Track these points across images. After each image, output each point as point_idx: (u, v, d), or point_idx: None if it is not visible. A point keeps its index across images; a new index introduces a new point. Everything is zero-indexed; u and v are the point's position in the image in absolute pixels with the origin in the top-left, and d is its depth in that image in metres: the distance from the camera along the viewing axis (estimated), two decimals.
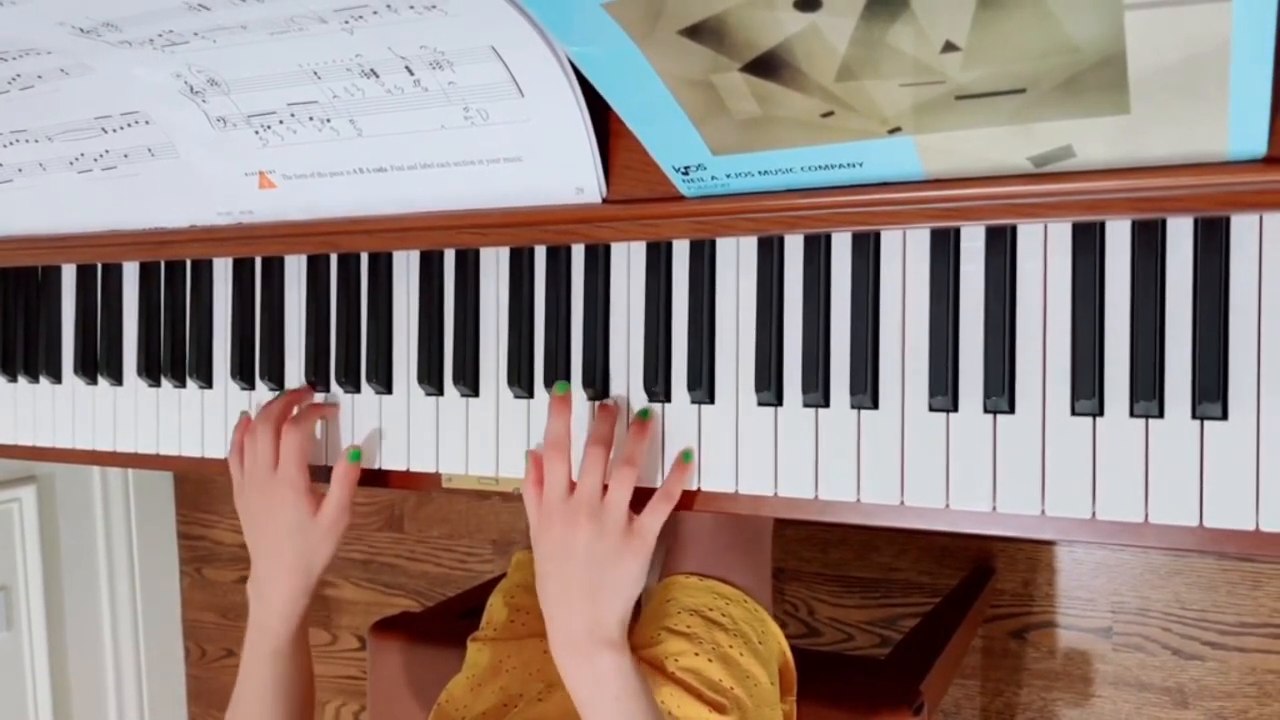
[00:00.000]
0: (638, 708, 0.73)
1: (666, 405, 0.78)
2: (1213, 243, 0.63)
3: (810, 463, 0.74)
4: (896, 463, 0.71)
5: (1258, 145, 0.57)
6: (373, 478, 0.90)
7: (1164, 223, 0.64)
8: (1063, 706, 1.53)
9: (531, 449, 0.81)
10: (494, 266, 0.84)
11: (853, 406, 0.72)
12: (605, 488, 0.74)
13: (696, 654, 0.90)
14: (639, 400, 0.79)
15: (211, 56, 0.74)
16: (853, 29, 0.54)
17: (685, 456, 0.76)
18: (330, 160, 0.80)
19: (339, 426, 0.91)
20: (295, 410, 0.89)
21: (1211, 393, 0.63)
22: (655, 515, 0.74)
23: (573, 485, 0.75)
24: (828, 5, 0.53)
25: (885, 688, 1.02)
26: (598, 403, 0.79)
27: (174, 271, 0.99)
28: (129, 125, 0.84)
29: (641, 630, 0.98)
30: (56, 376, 1.06)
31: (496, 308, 0.84)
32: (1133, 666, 1.50)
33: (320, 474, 0.89)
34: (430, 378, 0.86)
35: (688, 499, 0.77)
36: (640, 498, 0.76)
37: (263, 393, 0.95)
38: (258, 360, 0.95)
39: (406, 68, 0.70)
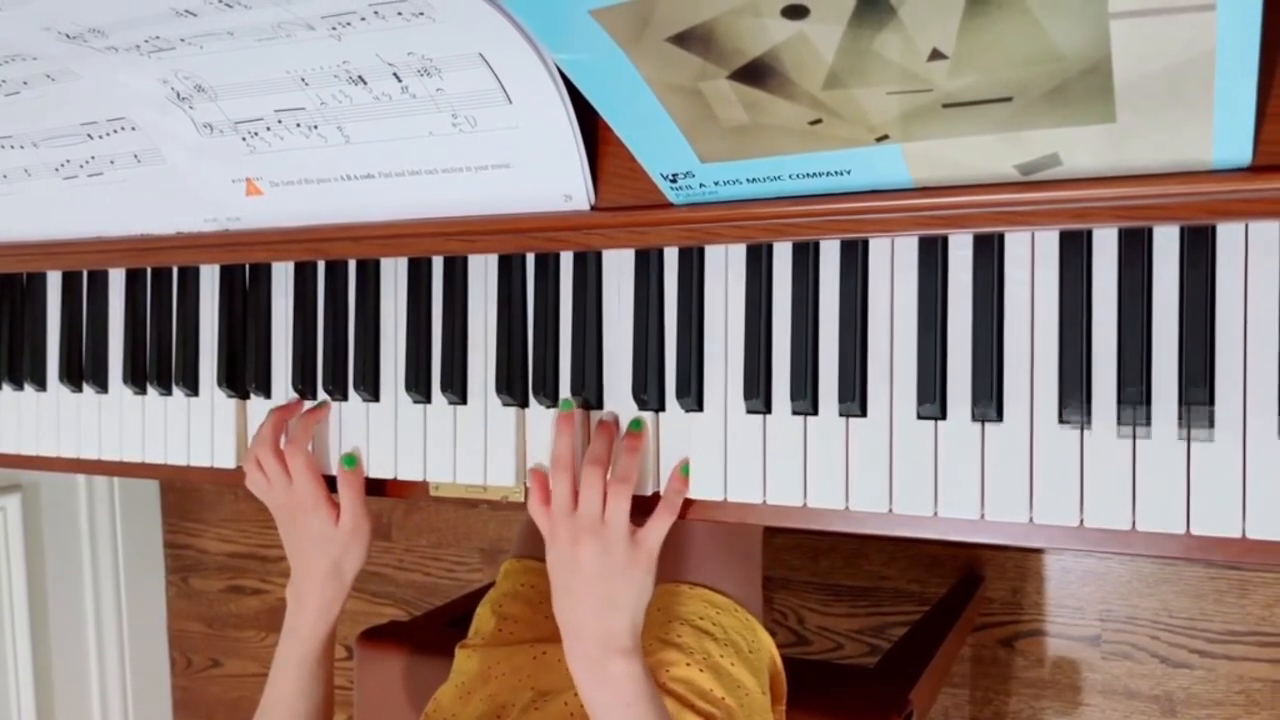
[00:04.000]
0: (649, 712, 0.74)
1: (656, 413, 0.78)
2: (1199, 251, 0.63)
3: (798, 470, 0.73)
4: (885, 471, 0.71)
5: (1243, 154, 0.57)
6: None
7: (1150, 231, 0.64)
8: (1052, 715, 1.53)
9: (533, 467, 0.82)
10: (482, 274, 0.84)
11: (841, 414, 0.72)
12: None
13: (688, 664, 0.90)
14: (629, 408, 0.79)
15: (198, 63, 0.73)
16: (840, 37, 0.55)
17: (684, 470, 0.77)
18: (318, 167, 0.80)
19: (326, 435, 0.90)
20: (291, 423, 0.90)
21: (1199, 400, 0.63)
22: (657, 528, 0.75)
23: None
24: (815, 13, 0.54)
25: (874, 696, 1.02)
26: (595, 417, 0.80)
27: (160, 278, 0.98)
28: (115, 131, 0.83)
29: None
30: (41, 384, 1.05)
31: (485, 315, 0.84)
32: (1121, 675, 1.50)
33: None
34: (418, 385, 0.86)
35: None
36: (638, 505, 0.76)
37: (251, 400, 0.94)
38: (244, 368, 0.94)
39: (394, 74, 0.70)
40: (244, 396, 0.95)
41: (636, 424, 0.78)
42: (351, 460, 0.88)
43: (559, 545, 0.76)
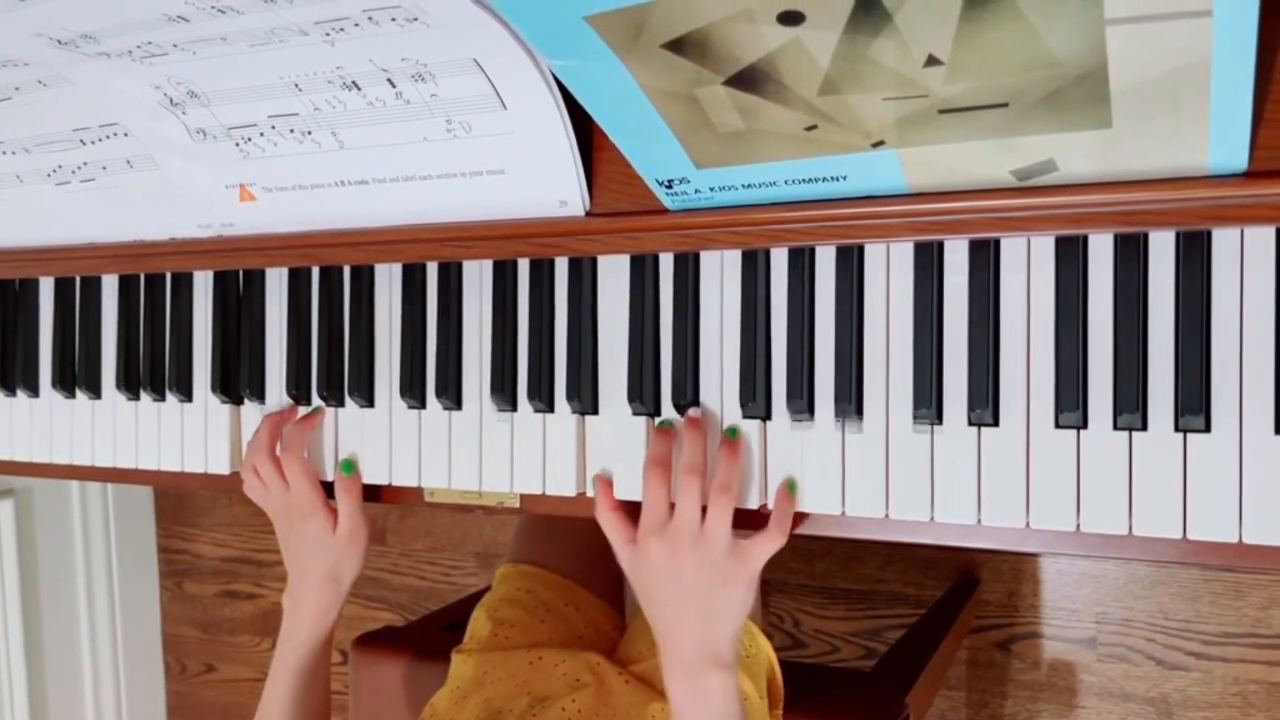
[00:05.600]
0: None
1: (651, 418, 0.78)
2: (1194, 256, 0.63)
3: (795, 476, 0.73)
4: (881, 476, 0.71)
5: (1239, 160, 0.57)
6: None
7: (1146, 236, 0.64)
8: (1048, 717, 1.54)
9: (598, 474, 0.79)
10: (477, 279, 0.84)
11: (837, 419, 0.72)
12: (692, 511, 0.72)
13: None
14: (623, 415, 0.79)
15: (191, 68, 0.73)
16: (836, 43, 0.54)
17: (790, 488, 0.73)
18: (312, 172, 0.79)
19: (322, 440, 0.90)
20: (286, 430, 0.90)
21: (1194, 405, 0.63)
22: (763, 548, 0.72)
23: (670, 508, 0.73)
24: (811, 19, 0.53)
25: (871, 699, 1.02)
26: (686, 416, 0.76)
27: (154, 284, 0.98)
28: (107, 137, 0.83)
29: (633, 645, 0.97)
30: (34, 390, 1.05)
31: (480, 321, 0.84)
32: (1117, 677, 1.50)
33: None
34: (413, 391, 0.86)
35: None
36: None
37: (245, 406, 0.94)
38: (238, 374, 0.94)
39: (388, 80, 0.70)
40: (238, 402, 0.94)
41: (733, 431, 0.75)
42: (350, 466, 0.88)
43: (651, 554, 0.72)
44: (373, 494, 0.89)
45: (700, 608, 0.72)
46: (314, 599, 0.87)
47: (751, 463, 0.75)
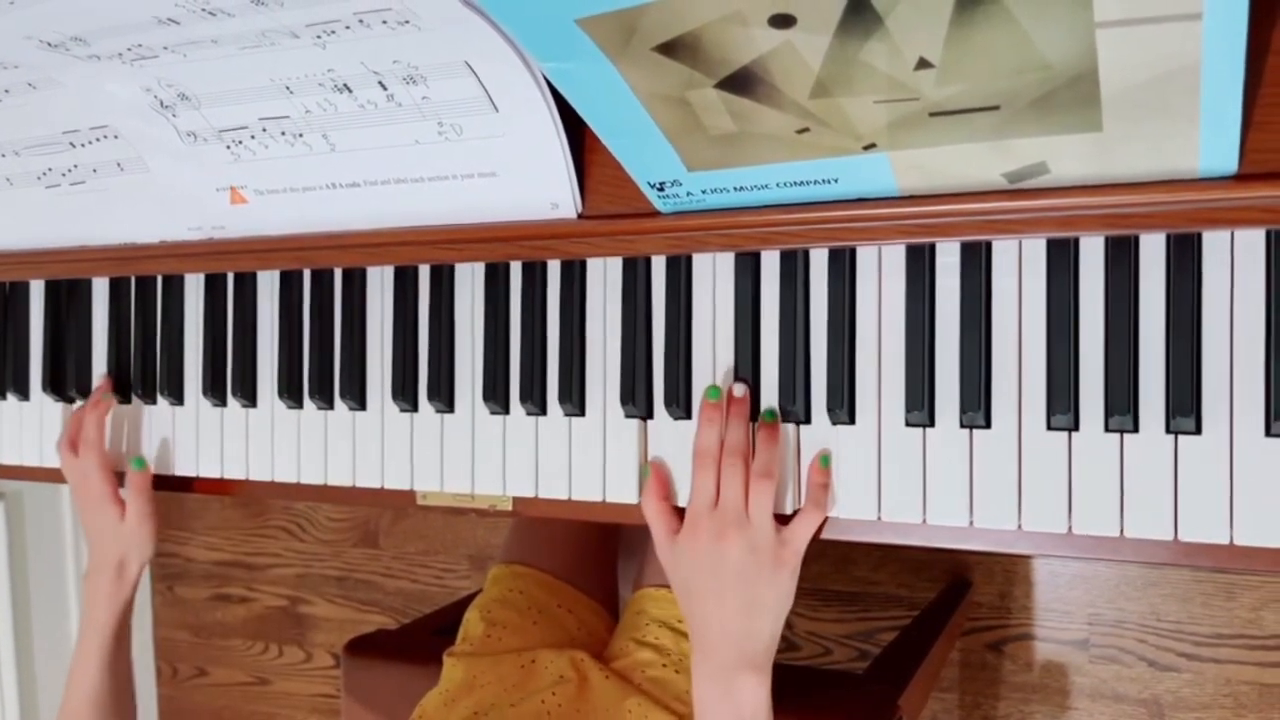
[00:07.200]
0: None
1: (644, 421, 0.78)
2: (1185, 259, 0.63)
3: (791, 478, 0.73)
4: (873, 478, 0.71)
5: (1229, 162, 0.58)
6: (344, 495, 0.89)
7: (1137, 239, 0.65)
8: (1040, 719, 1.54)
9: (652, 459, 0.78)
10: (469, 282, 0.84)
11: (831, 423, 0.72)
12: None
13: (664, 665, 0.90)
14: (616, 416, 0.79)
15: (182, 71, 0.73)
16: (827, 46, 0.55)
17: (823, 461, 0.72)
18: (303, 175, 0.79)
19: (316, 443, 0.89)
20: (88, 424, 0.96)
21: (1185, 407, 0.63)
22: (804, 527, 0.71)
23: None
24: (802, 22, 0.53)
25: (863, 702, 1.02)
26: (730, 393, 0.74)
27: (144, 287, 0.98)
28: (98, 140, 0.83)
29: (616, 642, 0.97)
30: (24, 393, 1.04)
31: (472, 323, 0.84)
32: (1109, 678, 1.50)
33: (295, 492, 0.89)
34: (405, 394, 0.85)
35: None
36: None
37: (235, 409, 0.94)
38: (230, 377, 0.93)
39: (380, 82, 0.70)
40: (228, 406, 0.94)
41: (770, 414, 0.74)
42: (140, 462, 0.94)
43: (699, 541, 0.71)
44: (364, 498, 0.89)
45: (742, 597, 0.70)
46: (104, 582, 0.93)
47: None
